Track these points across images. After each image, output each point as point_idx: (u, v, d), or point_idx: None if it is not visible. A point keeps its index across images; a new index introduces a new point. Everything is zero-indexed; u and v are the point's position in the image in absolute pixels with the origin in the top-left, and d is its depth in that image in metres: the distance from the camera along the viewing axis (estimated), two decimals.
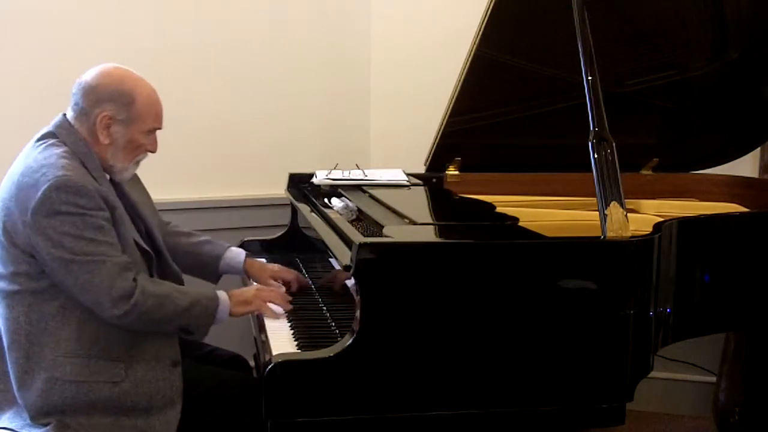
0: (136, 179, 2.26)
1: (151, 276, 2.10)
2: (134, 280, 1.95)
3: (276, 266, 2.48)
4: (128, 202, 2.15)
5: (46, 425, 1.93)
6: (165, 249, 2.24)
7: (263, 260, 2.62)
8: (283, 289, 2.37)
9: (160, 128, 2.11)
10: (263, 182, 3.35)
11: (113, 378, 1.95)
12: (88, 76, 2.04)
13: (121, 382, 1.95)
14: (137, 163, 2.13)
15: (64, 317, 1.95)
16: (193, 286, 2.33)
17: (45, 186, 1.89)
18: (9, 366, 1.97)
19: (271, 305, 2.19)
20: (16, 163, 2.02)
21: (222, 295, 2.11)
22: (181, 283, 2.24)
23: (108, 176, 2.08)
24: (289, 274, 2.45)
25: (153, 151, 2.12)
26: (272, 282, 2.40)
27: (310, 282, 2.50)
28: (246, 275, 2.47)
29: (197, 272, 2.46)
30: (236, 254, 2.46)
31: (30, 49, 2.96)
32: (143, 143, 2.07)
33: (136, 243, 2.06)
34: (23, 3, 2.96)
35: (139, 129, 2.05)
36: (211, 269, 2.45)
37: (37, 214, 1.89)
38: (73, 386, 1.93)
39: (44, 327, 1.95)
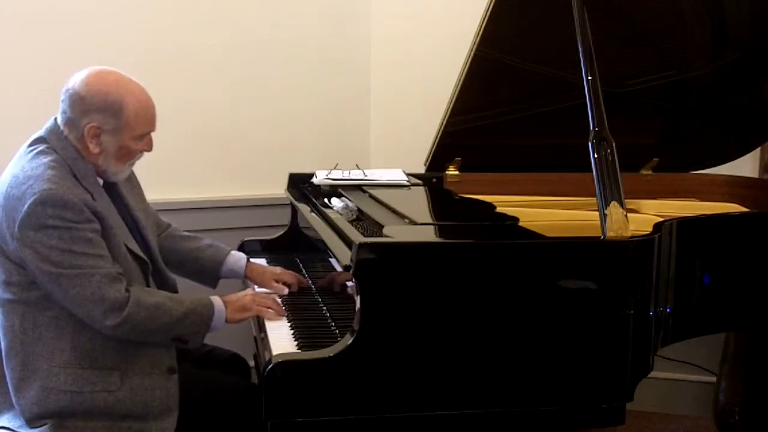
0: (133, 182, 2.23)
1: (148, 284, 2.07)
2: (127, 290, 1.92)
3: (278, 269, 2.45)
4: (123, 204, 2.13)
5: (42, 426, 1.93)
6: (159, 256, 2.21)
7: (262, 262, 2.61)
8: (286, 290, 2.35)
9: (153, 131, 2.06)
10: (263, 182, 3.35)
11: (109, 387, 1.94)
12: (75, 83, 1.98)
13: (117, 391, 1.94)
14: (132, 164, 2.10)
15: (58, 327, 1.94)
16: (190, 290, 2.32)
17: (30, 200, 1.86)
18: (6, 372, 1.97)
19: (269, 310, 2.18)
20: (8, 169, 2.00)
21: (217, 302, 2.07)
22: (174, 290, 2.21)
23: (101, 180, 2.05)
24: (291, 276, 2.42)
25: (149, 151, 2.08)
26: (275, 285, 2.38)
27: (310, 282, 2.50)
28: (247, 279, 2.45)
29: (196, 277, 2.43)
30: (237, 258, 2.42)
31: (30, 49, 2.96)
32: (135, 148, 2.03)
33: (131, 251, 2.03)
34: (23, 3, 2.96)
35: (130, 136, 2.00)
36: (211, 274, 2.42)
37: (24, 227, 1.87)
38: (69, 395, 1.92)
39: (38, 336, 1.93)
